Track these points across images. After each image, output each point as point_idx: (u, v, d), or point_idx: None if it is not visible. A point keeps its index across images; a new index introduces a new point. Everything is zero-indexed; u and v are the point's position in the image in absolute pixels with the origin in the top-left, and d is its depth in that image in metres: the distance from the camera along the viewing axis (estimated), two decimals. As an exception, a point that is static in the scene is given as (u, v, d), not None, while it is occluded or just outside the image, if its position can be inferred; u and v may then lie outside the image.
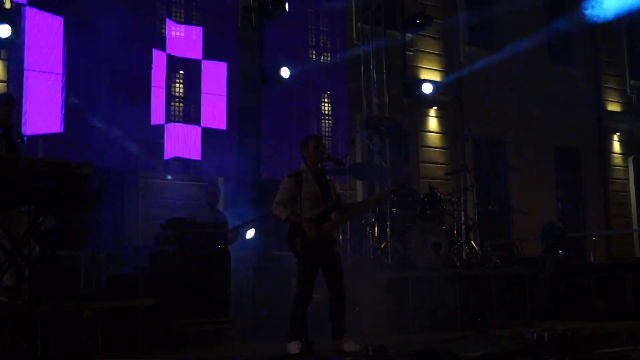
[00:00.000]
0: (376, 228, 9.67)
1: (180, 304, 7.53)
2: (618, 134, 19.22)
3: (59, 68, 9.75)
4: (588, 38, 18.97)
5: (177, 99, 11.09)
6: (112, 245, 8.89)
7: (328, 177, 7.24)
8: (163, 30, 10.92)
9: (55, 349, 6.64)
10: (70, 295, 7.09)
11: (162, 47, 10.82)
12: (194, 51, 11.18)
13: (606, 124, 19.03)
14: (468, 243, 9.88)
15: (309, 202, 6.71)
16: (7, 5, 9.63)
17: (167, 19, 10.97)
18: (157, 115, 10.67)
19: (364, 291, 8.72)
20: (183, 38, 11.13)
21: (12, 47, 9.70)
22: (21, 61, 9.54)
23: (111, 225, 9.40)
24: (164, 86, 10.77)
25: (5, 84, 9.96)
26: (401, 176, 9.95)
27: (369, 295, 8.73)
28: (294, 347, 6.36)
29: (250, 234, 9.87)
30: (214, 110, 11.23)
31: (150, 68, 10.52)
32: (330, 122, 12.51)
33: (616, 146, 19.27)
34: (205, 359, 6.50)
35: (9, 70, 9.98)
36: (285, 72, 11.38)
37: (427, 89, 13.45)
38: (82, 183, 6.86)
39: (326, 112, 12.55)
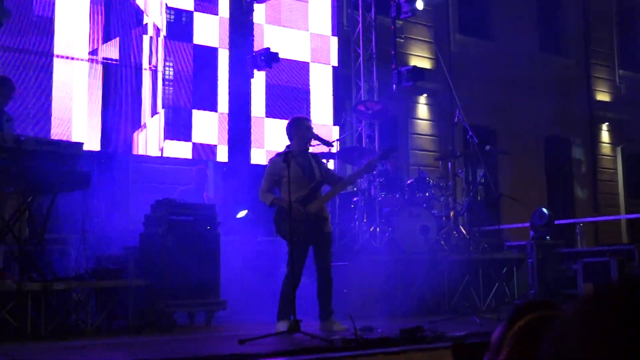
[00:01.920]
0: (365, 212, 9.72)
1: (169, 285, 7.57)
2: (607, 123, 19.33)
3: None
4: (579, 28, 19.05)
5: (168, 82, 11.09)
6: (101, 227, 8.89)
7: (315, 156, 7.27)
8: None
9: (44, 327, 6.69)
10: (60, 276, 7.12)
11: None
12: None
13: (595, 113, 19.14)
14: (456, 228, 9.94)
15: (295, 184, 6.73)
16: None
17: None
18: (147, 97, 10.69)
19: (352, 274, 8.78)
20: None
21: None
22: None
23: (101, 207, 9.40)
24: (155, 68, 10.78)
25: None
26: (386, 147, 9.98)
27: (357, 278, 8.79)
28: (282, 326, 6.41)
29: (241, 214, 9.92)
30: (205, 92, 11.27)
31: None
32: (319, 107, 12.55)
33: (605, 136, 19.39)
34: (194, 340, 6.53)
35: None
36: (276, 56, 11.39)
37: (417, 76, 13.47)
38: (71, 163, 6.90)
39: (315, 97, 12.58)
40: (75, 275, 7.37)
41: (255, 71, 11.34)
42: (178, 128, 11.17)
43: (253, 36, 11.50)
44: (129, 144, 10.81)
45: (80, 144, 7.08)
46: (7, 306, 6.46)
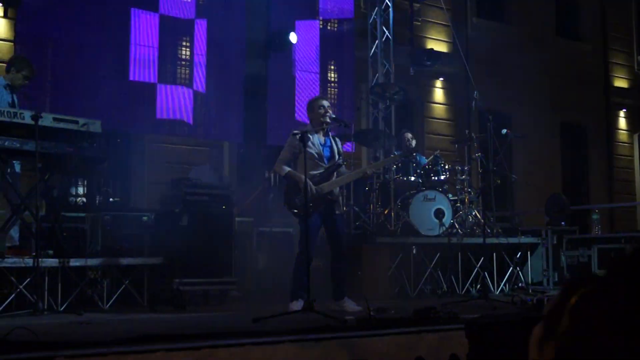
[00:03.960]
0: (380, 194, 9.71)
1: (184, 263, 7.61)
2: (624, 110, 19.18)
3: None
4: (596, 13, 18.88)
5: (182, 61, 11.07)
6: (117, 206, 8.94)
7: (334, 137, 7.30)
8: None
9: (60, 303, 6.75)
10: (76, 253, 7.18)
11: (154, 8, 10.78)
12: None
13: (613, 100, 18.98)
14: (471, 212, 9.92)
15: (311, 162, 6.76)
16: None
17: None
18: (151, 76, 10.67)
19: (366, 256, 8.80)
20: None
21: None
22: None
23: (117, 185, 9.45)
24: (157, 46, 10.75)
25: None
26: (408, 144, 9.96)
27: (371, 260, 8.81)
28: (296, 305, 6.44)
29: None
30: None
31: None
32: (336, 90, 12.52)
33: (622, 122, 19.24)
34: (208, 317, 6.57)
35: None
36: (293, 38, 11.35)
37: (434, 59, 13.41)
38: (88, 141, 6.92)
39: (332, 79, 12.56)
40: (91, 252, 7.43)
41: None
42: (189, 107, 11.16)
43: (269, 18, 11.48)
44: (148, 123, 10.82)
45: (98, 122, 7.11)
46: (24, 281, 6.53)
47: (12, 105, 7.38)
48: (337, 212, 7.07)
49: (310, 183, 6.78)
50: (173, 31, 10.91)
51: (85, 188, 8.46)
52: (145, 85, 10.48)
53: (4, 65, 8.02)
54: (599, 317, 0.85)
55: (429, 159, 9.90)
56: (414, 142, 10.19)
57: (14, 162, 7.24)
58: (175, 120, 10.81)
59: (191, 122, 10.86)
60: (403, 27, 13.63)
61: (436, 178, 9.63)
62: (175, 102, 10.74)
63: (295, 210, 6.72)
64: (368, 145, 10.98)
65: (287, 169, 6.93)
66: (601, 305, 0.86)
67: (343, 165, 7.27)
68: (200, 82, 11.08)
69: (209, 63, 11.10)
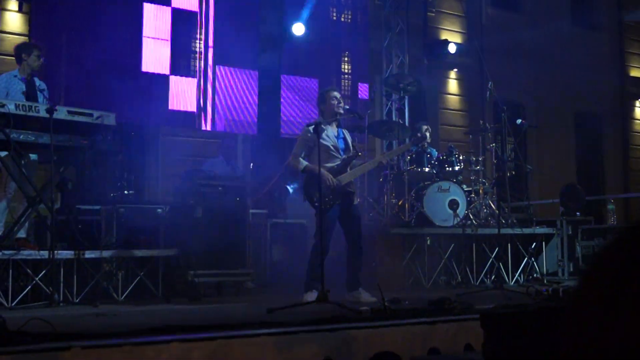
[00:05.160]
0: (394, 186, 9.70)
1: (198, 255, 7.62)
2: (640, 100, 19.06)
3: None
4: (612, 2, 18.73)
5: (195, 54, 11.09)
6: (132, 198, 8.97)
7: (345, 130, 7.28)
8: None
9: (76, 295, 6.79)
10: (91, 245, 7.21)
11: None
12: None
13: (628, 89, 18.85)
14: (485, 203, 9.89)
15: (326, 154, 6.75)
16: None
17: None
18: (164, 68, 10.69)
19: (381, 247, 8.80)
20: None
21: None
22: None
23: (131, 178, 9.47)
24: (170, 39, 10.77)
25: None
26: (420, 134, 9.93)
27: (386, 251, 8.81)
28: (310, 296, 6.44)
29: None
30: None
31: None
32: (349, 81, 12.51)
33: (638, 112, 19.11)
34: (223, 308, 6.59)
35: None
36: (298, 30, 11.34)
37: (448, 49, 13.37)
38: (103, 134, 6.95)
39: (346, 70, 12.54)
40: (106, 244, 7.46)
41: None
42: (203, 98, 11.17)
43: (284, 10, 11.48)
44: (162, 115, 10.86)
45: (112, 115, 7.13)
46: (40, 273, 6.57)
47: (30, 92, 7.37)
48: (354, 202, 7.07)
49: (331, 176, 6.77)
50: (186, 23, 10.93)
51: (100, 181, 8.48)
52: (159, 78, 10.51)
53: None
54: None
55: (444, 152, 9.86)
56: (428, 134, 10.16)
57: (31, 154, 7.27)
58: (189, 113, 10.84)
59: (205, 114, 10.88)
60: (417, 18, 13.58)
61: (450, 169, 9.60)
62: (188, 95, 10.76)
63: (317, 204, 6.67)
64: (382, 136, 10.96)
65: (305, 162, 6.90)
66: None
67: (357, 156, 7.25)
68: (214, 74, 11.09)
69: (223, 55, 11.12)
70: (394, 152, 7.44)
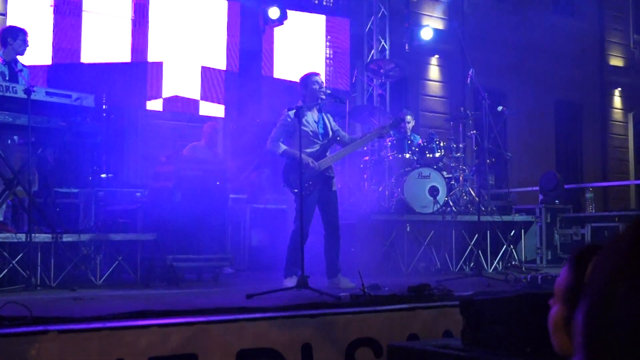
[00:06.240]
0: (374, 172, 9.70)
1: (177, 239, 7.58)
2: (620, 89, 19.15)
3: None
4: (593, -9, 18.80)
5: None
6: (110, 181, 8.91)
7: (326, 114, 7.24)
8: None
9: (54, 279, 6.73)
10: (70, 228, 7.15)
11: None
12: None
13: (608, 78, 18.95)
14: (465, 190, 9.92)
15: (305, 140, 6.71)
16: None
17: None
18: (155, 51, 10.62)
19: (361, 233, 8.80)
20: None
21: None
22: None
23: (110, 161, 9.41)
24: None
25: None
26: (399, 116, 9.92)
27: (365, 237, 8.81)
28: (290, 282, 6.43)
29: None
30: (215, 50, 11.19)
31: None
32: (331, 67, 12.47)
33: (617, 101, 19.22)
34: (202, 294, 6.56)
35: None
36: (273, 13, 11.30)
37: (428, 35, 13.36)
38: (81, 116, 6.88)
39: (328, 55, 12.50)
40: (84, 228, 7.40)
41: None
42: (186, 82, 11.12)
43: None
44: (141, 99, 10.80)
45: (90, 97, 7.05)
46: (17, 257, 6.50)
47: (11, 75, 7.29)
48: (332, 188, 7.04)
49: (312, 159, 6.75)
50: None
51: (79, 163, 8.40)
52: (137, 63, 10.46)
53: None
54: (619, 270, 0.84)
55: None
56: (411, 121, 10.13)
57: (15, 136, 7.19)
58: (170, 97, 10.78)
59: (185, 98, 10.83)
60: (399, 3, 13.55)
61: (431, 155, 9.61)
62: (170, 79, 10.71)
63: (296, 190, 6.64)
64: (363, 122, 10.95)
65: (284, 146, 6.86)
66: (618, 259, 0.85)
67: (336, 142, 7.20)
68: (196, 57, 11.04)
69: (203, 38, 11.05)
70: (372, 135, 7.36)
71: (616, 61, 19.23)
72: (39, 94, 6.60)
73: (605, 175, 18.48)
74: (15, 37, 7.39)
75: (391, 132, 9.18)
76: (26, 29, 7.62)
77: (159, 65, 10.78)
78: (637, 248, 0.82)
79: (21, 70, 7.36)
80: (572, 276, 1.02)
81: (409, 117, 10.22)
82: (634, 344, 0.79)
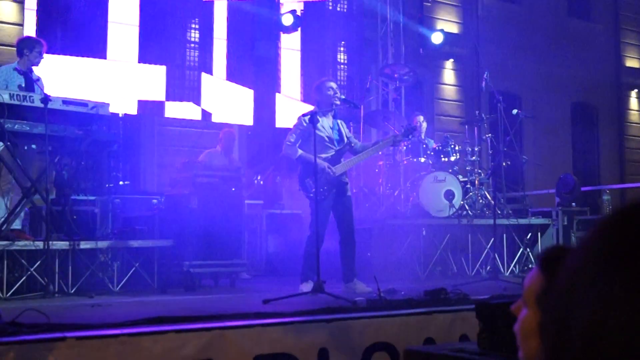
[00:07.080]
0: (390, 176, 9.69)
1: (194, 245, 7.61)
2: (636, 90, 19.04)
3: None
4: (608, -8, 18.71)
5: (192, 44, 11.07)
6: (127, 188, 8.95)
7: (340, 120, 7.26)
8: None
9: (71, 286, 6.78)
10: (87, 236, 7.20)
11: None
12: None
13: (624, 80, 18.84)
14: (481, 193, 9.89)
15: (320, 145, 6.73)
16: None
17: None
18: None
19: (376, 238, 8.79)
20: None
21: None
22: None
23: (127, 169, 9.46)
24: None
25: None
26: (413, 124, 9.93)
27: (381, 242, 8.80)
28: (306, 287, 6.44)
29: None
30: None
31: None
32: (345, 71, 12.48)
33: (634, 103, 19.11)
34: (219, 299, 6.58)
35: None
36: (287, 20, 11.33)
37: (438, 39, 13.34)
38: (97, 124, 6.93)
39: (342, 60, 12.51)
40: (101, 235, 7.44)
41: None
42: (202, 90, 11.16)
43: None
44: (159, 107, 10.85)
45: (107, 105, 7.10)
46: (35, 264, 6.55)
47: (28, 84, 7.37)
48: (347, 194, 7.05)
49: (328, 164, 6.77)
50: (182, 12, 10.91)
51: (96, 171, 8.45)
52: (152, 68, 10.52)
53: (13, 49, 8.01)
54: (579, 273, 0.83)
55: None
56: (424, 125, 10.13)
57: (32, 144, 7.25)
58: (186, 104, 10.83)
59: (201, 105, 10.87)
60: (413, 7, 13.55)
61: (446, 159, 9.60)
62: (185, 86, 10.76)
63: (312, 195, 6.65)
64: (377, 127, 10.95)
65: (300, 151, 6.88)
66: (580, 262, 0.84)
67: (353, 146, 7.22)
68: (210, 65, 11.07)
69: (217, 46, 11.09)
70: (386, 142, 7.37)
71: (632, 62, 19.13)
72: (56, 103, 6.66)
73: (623, 177, 18.36)
74: (31, 49, 7.47)
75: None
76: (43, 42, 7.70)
77: (175, 72, 10.83)
78: (600, 250, 0.82)
79: (37, 80, 7.43)
80: (543, 279, 0.99)
81: (420, 118, 10.22)
82: (589, 350, 0.78)
